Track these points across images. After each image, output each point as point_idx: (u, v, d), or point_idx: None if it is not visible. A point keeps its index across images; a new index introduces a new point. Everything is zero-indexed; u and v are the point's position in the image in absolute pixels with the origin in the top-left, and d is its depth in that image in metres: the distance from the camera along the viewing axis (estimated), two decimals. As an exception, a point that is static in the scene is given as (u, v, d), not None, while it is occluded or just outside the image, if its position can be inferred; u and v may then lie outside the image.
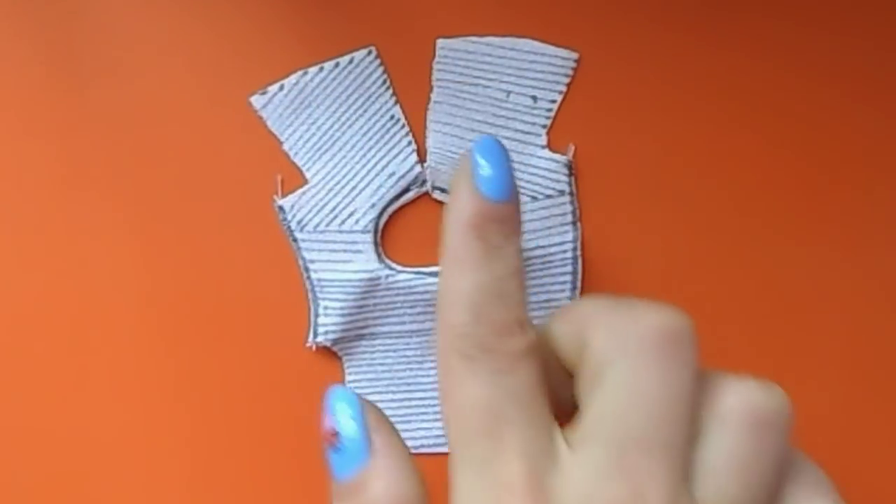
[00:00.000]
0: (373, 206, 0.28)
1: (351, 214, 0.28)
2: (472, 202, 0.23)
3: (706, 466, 0.20)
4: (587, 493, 0.20)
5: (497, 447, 0.21)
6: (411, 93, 0.29)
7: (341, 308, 0.28)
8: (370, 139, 0.28)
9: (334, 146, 0.28)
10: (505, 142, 0.27)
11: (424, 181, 0.28)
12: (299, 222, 0.28)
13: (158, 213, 0.29)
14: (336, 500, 0.23)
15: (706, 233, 0.29)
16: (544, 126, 0.28)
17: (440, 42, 0.28)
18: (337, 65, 0.28)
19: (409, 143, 0.28)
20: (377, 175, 0.28)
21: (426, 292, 0.28)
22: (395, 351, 0.29)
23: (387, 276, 0.28)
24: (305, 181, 0.29)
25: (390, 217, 0.29)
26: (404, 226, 0.29)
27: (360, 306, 0.28)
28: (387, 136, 0.28)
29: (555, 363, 0.23)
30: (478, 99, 0.28)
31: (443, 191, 0.28)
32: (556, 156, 0.28)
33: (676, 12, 0.29)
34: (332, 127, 0.28)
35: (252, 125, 0.29)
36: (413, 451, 0.28)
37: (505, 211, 0.23)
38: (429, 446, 0.29)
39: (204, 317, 0.29)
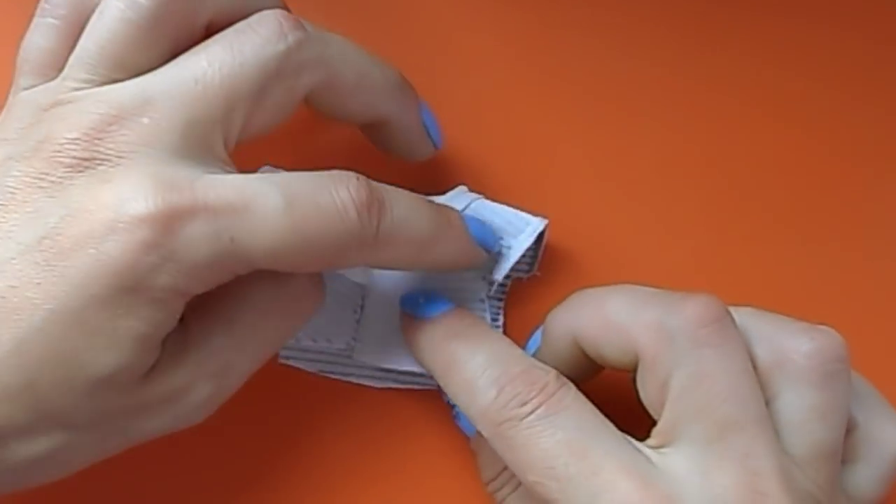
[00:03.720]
0: None
1: None
2: (431, 325, 0.25)
3: (790, 423, 0.21)
4: (703, 489, 0.20)
5: (603, 478, 0.21)
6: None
7: None
8: None
9: None
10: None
11: None
12: None
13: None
14: None
15: (706, 232, 0.29)
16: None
17: None
18: None
19: None
20: None
21: None
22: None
23: None
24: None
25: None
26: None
27: None
28: None
29: (575, 359, 0.24)
30: None
31: None
32: None
33: (676, 12, 0.29)
34: None
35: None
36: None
37: (459, 312, 0.25)
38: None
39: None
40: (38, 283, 0.20)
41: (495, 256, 0.27)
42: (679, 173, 0.29)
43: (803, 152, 0.29)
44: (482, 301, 0.27)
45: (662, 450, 0.21)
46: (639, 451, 0.21)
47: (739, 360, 0.21)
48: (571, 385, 0.22)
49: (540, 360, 0.24)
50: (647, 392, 0.22)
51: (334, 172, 0.23)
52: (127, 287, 0.20)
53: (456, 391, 0.23)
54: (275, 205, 0.21)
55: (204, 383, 0.23)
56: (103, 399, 0.21)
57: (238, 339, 0.23)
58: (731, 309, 0.22)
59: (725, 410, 0.21)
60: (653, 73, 0.29)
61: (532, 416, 0.22)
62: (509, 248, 0.27)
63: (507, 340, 0.24)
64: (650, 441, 0.22)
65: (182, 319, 0.22)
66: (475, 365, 0.23)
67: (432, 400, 0.27)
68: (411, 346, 0.25)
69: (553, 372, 0.23)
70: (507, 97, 0.29)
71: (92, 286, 0.20)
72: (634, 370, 0.23)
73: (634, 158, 0.29)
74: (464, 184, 0.28)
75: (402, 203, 0.23)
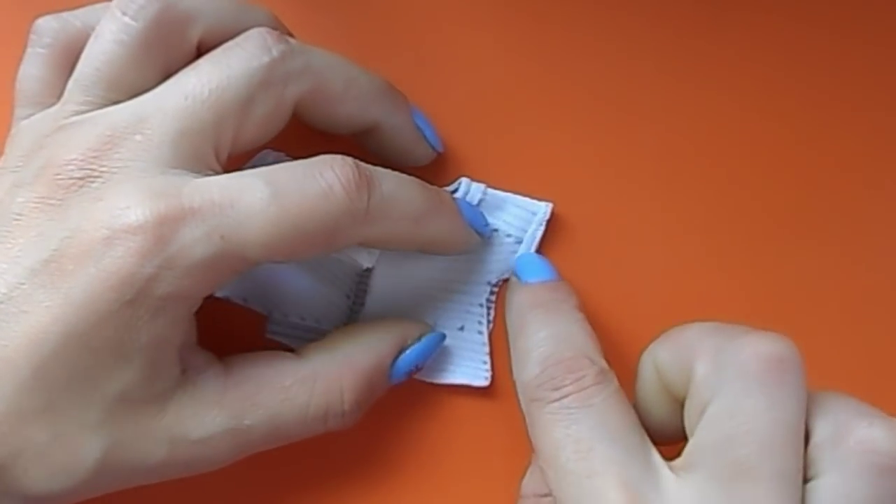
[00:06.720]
0: None
1: None
2: (524, 290, 0.25)
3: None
4: None
5: (596, 483, 0.20)
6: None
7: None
8: None
9: None
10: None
11: None
12: None
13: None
14: None
15: (706, 228, 0.29)
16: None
17: None
18: None
19: None
20: None
21: None
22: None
23: None
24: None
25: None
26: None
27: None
28: None
29: (659, 390, 0.23)
30: None
31: None
32: None
33: (676, 12, 0.29)
34: None
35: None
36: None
37: (554, 285, 0.25)
38: None
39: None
40: (48, 307, 0.21)
41: (486, 240, 0.27)
42: (678, 170, 0.29)
43: (804, 149, 0.29)
44: (481, 306, 0.28)
45: (683, 474, 0.21)
46: (652, 468, 0.21)
47: (786, 410, 0.20)
48: (613, 384, 0.22)
49: (637, 399, 0.24)
50: (688, 413, 0.21)
51: (319, 157, 0.23)
52: (128, 300, 0.21)
53: (515, 356, 0.24)
54: (260, 196, 0.22)
55: (225, 431, 0.23)
56: (121, 420, 0.22)
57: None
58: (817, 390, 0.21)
59: (747, 454, 0.20)
60: (652, 70, 0.29)
61: (557, 404, 0.22)
62: (520, 241, 0.28)
63: (583, 324, 0.24)
64: (676, 462, 0.21)
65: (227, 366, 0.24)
66: (537, 338, 0.23)
67: (432, 394, 0.28)
68: (507, 303, 0.26)
69: (601, 366, 0.23)
70: (506, 96, 0.29)
71: (95, 303, 0.21)
72: None
73: (633, 156, 0.29)
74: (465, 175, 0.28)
75: (391, 179, 0.24)
